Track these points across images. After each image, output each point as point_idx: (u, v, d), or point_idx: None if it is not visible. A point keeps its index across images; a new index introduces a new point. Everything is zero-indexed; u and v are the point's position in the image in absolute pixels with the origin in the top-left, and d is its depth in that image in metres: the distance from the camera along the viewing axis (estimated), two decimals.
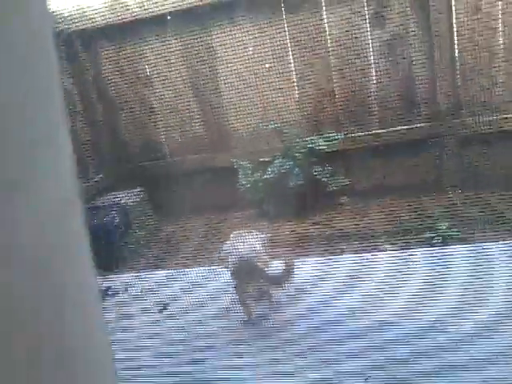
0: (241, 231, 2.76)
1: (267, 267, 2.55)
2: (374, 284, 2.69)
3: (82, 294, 0.74)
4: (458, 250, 3.01)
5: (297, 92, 4.13)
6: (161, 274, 3.37)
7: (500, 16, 3.70)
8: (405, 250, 3.18)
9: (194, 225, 3.89)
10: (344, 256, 3.15)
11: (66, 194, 0.66)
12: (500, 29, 3.71)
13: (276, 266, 2.56)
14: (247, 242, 2.63)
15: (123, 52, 4.19)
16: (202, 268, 3.16)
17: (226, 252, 2.66)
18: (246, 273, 2.53)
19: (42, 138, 0.61)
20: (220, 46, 4.07)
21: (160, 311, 2.89)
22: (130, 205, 3.75)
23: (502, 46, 3.73)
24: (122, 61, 4.19)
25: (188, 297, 2.92)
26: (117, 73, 4.24)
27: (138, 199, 3.85)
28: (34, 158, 0.58)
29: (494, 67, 3.70)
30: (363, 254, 3.15)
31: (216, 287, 2.94)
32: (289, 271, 2.54)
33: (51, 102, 0.64)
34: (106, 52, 4.25)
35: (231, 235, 2.73)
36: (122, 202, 3.76)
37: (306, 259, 3.15)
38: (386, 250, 3.27)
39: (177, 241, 3.75)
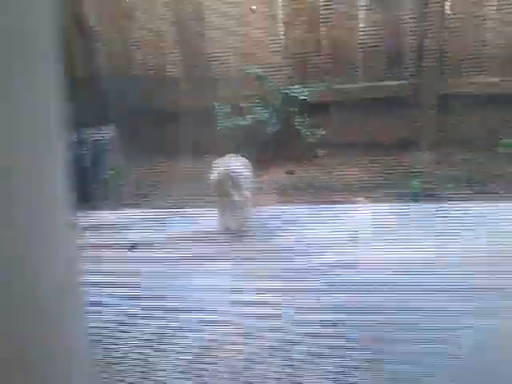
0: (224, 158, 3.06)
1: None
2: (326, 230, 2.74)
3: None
4: (427, 207, 3.05)
5: (282, 38, 4.03)
6: (133, 212, 3.35)
7: None
8: (375, 204, 3.20)
9: (167, 167, 3.84)
10: (310, 206, 3.17)
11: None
12: None
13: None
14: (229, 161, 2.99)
15: None
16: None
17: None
18: (225, 184, 2.85)
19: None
20: None
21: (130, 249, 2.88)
22: (102, 142, 3.68)
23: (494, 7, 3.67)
24: None
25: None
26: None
27: (111, 136, 3.77)
28: None
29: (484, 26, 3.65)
30: (331, 205, 3.17)
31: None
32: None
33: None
34: None
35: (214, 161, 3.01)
36: (95, 138, 3.69)
37: (277, 206, 3.17)
38: (355, 203, 3.29)
39: (148, 183, 3.72)
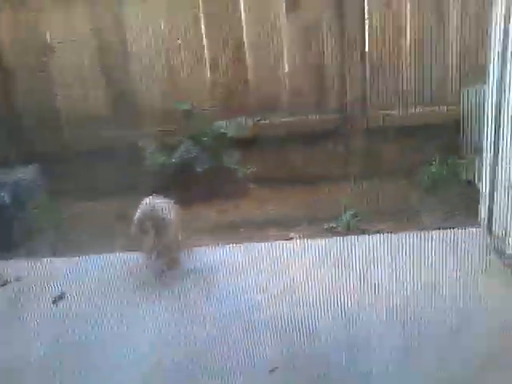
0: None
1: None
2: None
3: None
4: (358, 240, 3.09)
5: (209, 74, 4.02)
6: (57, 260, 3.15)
7: (408, 14, 3.81)
8: (308, 239, 3.21)
9: (91, 208, 3.69)
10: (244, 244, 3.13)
11: None
12: (408, 27, 3.83)
13: None
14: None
15: (21, 16, 3.88)
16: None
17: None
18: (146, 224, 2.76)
19: None
20: (130, 17, 3.88)
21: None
22: (23, 182, 3.48)
23: (408, 44, 3.85)
24: (20, 26, 3.88)
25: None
26: (13, 38, 3.92)
27: (32, 176, 3.57)
28: None
29: (402, 64, 3.82)
30: (264, 243, 3.14)
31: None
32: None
33: None
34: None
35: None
36: (15, 178, 3.49)
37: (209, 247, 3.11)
38: (291, 239, 3.29)
39: (72, 225, 3.55)
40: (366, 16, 3.77)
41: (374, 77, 3.89)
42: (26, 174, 3.57)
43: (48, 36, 3.93)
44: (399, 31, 3.82)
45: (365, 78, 3.89)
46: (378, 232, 3.17)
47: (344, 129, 3.96)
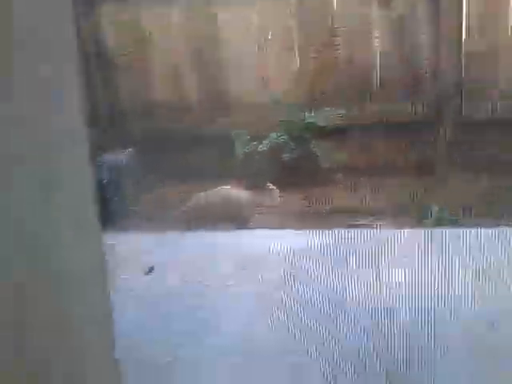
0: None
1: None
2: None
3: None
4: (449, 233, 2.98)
5: (298, 64, 4.06)
6: (148, 235, 3.32)
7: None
8: (394, 230, 3.15)
9: (180, 191, 3.83)
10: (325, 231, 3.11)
11: (74, 124, 0.65)
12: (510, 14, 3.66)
13: None
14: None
15: (125, 10, 4.12)
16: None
17: None
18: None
19: (53, 76, 0.62)
20: (223, 11, 4.00)
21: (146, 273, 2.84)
22: (121, 165, 3.69)
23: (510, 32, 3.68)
24: (124, 18, 4.12)
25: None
26: (117, 29, 4.17)
27: (129, 160, 3.79)
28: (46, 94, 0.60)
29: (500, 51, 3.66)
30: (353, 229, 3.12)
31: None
32: None
33: (63, 41, 0.64)
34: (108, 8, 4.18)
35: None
36: (114, 161, 3.71)
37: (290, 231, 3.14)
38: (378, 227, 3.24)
39: (160, 206, 3.71)
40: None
41: (469, 66, 3.74)
42: (123, 157, 3.78)
43: (146, 29, 4.14)
44: (497, 18, 3.66)
45: (460, 67, 3.76)
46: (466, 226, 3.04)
47: (436, 119, 3.84)
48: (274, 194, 3.33)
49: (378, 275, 2.45)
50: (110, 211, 3.32)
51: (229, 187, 3.44)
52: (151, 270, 2.89)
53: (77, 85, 0.66)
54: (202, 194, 3.47)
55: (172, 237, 3.20)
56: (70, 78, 0.66)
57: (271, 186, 3.37)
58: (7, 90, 0.54)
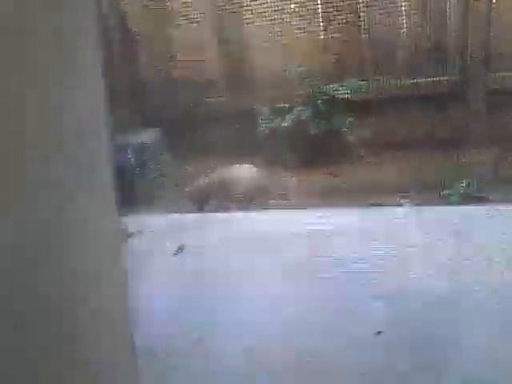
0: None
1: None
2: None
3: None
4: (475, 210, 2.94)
5: (322, 36, 3.98)
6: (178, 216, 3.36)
7: None
8: (419, 207, 3.12)
9: (205, 168, 3.85)
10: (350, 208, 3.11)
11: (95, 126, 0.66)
12: None
13: None
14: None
15: None
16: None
17: None
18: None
19: (76, 80, 0.62)
20: None
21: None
22: (146, 144, 3.73)
23: None
24: None
25: None
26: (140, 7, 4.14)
27: (154, 139, 3.82)
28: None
29: None
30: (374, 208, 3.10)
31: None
32: None
33: (86, 42, 0.63)
34: None
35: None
36: (139, 141, 3.74)
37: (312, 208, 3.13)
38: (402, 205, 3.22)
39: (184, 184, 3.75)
40: None
41: (497, 37, 3.61)
42: (148, 137, 3.81)
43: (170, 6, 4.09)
44: None
45: (488, 38, 3.63)
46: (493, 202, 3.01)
47: (464, 91, 3.74)
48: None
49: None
50: (135, 192, 3.38)
51: (248, 165, 3.43)
52: (181, 249, 2.95)
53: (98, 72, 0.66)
54: (217, 172, 3.55)
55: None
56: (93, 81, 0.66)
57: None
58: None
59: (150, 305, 2.11)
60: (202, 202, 3.47)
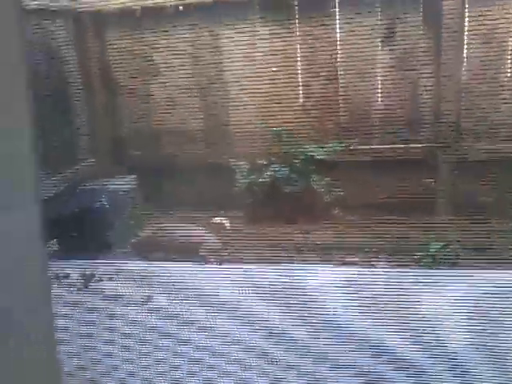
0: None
1: None
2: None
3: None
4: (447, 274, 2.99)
5: (301, 98, 4.10)
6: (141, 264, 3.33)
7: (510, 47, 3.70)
8: (390, 269, 3.15)
9: (179, 220, 3.84)
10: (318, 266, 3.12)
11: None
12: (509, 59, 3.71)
13: None
14: None
15: (132, 39, 4.16)
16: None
17: None
18: None
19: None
20: (229, 42, 4.05)
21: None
22: (122, 192, 3.70)
23: (509, 74, 3.73)
24: (130, 48, 4.16)
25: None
26: (123, 58, 4.20)
27: (129, 187, 3.80)
28: None
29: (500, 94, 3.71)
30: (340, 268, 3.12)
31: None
32: None
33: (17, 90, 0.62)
34: (114, 37, 4.22)
35: None
36: (114, 187, 3.72)
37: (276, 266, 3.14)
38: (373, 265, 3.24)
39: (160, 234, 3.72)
40: (465, 47, 3.70)
41: (468, 108, 3.79)
42: (124, 183, 3.79)
43: (152, 59, 4.18)
44: (500, 63, 3.71)
45: (459, 108, 3.80)
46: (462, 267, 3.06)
47: (435, 160, 3.87)
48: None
49: None
50: (108, 238, 3.33)
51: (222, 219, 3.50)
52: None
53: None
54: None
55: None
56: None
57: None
58: None
59: None
60: (146, 252, 3.51)
